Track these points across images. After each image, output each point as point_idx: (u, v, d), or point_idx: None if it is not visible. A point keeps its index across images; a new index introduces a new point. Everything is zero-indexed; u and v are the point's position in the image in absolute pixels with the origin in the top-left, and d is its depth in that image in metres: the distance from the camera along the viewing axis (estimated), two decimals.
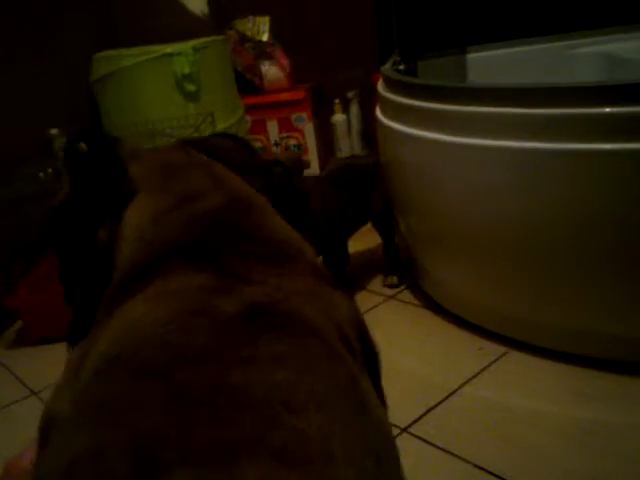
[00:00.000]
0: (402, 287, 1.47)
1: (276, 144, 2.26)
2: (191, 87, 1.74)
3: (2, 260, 1.56)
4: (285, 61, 2.25)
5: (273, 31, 2.25)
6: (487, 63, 1.66)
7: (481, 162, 1.08)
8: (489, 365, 1.13)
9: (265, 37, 2.24)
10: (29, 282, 1.49)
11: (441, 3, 1.83)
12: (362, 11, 2.22)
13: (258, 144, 2.26)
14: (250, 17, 2.26)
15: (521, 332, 1.17)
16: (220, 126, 1.80)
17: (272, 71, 2.25)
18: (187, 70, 1.72)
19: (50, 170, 1.55)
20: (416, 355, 1.22)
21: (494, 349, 1.17)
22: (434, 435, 0.97)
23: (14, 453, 0.53)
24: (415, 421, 1.01)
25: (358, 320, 0.50)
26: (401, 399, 1.04)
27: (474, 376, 1.11)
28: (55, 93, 1.78)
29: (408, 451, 0.92)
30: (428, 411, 1.03)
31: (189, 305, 0.43)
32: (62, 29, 1.86)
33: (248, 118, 2.15)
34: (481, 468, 0.90)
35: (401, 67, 1.38)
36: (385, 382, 0.51)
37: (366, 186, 1.44)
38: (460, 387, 1.08)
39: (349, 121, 2.37)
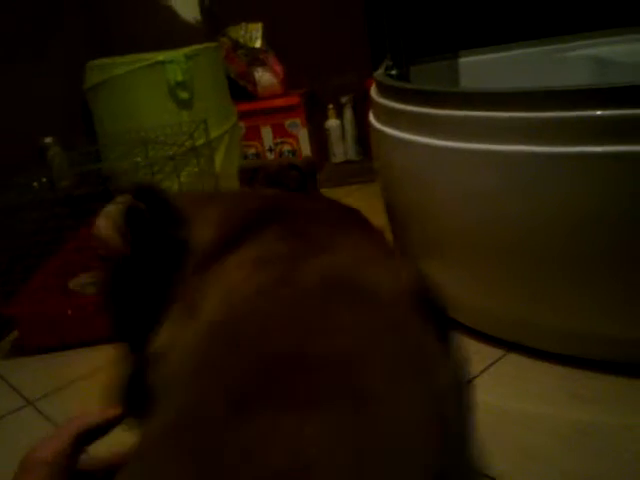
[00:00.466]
0: None
1: (270, 150, 2.27)
2: (184, 94, 1.75)
3: None
4: (278, 67, 2.26)
5: (266, 37, 2.25)
6: (479, 67, 1.67)
7: (474, 166, 1.09)
8: (486, 368, 1.13)
9: (258, 44, 2.24)
10: (26, 291, 1.49)
11: (433, 8, 1.84)
12: (354, 16, 2.23)
13: (252, 150, 2.26)
14: (243, 24, 2.26)
15: (517, 334, 1.17)
16: (214, 133, 1.81)
17: (265, 77, 2.25)
18: (180, 78, 1.72)
19: (44, 179, 1.55)
20: None
21: (491, 352, 1.17)
22: None
23: (11, 462, 0.52)
24: None
25: (423, 281, 0.55)
26: None
27: (471, 379, 1.11)
28: (49, 102, 1.78)
29: None
30: None
31: (275, 274, 0.49)
32: (54, 37, 1.87)
33: (242, 125, 2.16)
34: (476, 472, 0.90)
35: (393, 72, 1.39)
36: None
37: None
38: None
39: (343, 126, 2.38)
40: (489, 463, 0.90)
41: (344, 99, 2.34)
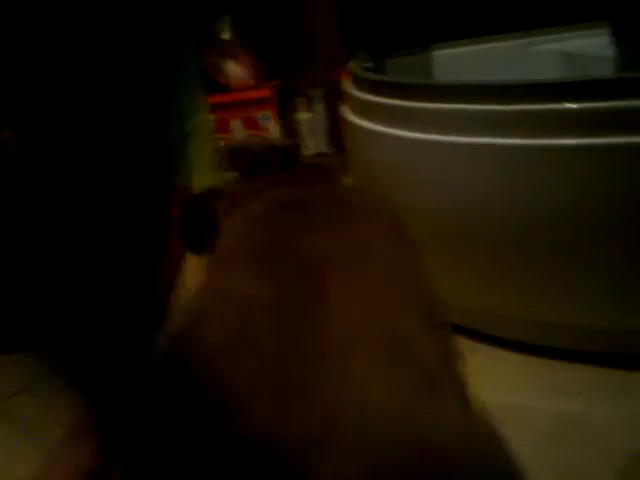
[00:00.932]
0: None
1: None
2: None
3: None
4: (248, 59, 2.23)
5: (235, 29, 2.23)
6: (452, 61, 1.67)
7: (449, 159, 1.09)
8: None
9: (227, 35, 2.22)
10: None
11: (406, 1, 1.84)
12: (326, 8, 2.22)
13: (222, 143, 2.23)
14: None
15: (490, 326, 1.18)
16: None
17: (236, 69, 2.23)
18: None
19: None
20: None
21: (464, 344, 1.17)
22: None
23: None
24: None
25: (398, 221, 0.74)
26: None
27: None
28: None
29: None
30: None
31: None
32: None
33: (210, 117, 2.12)
34: None
35: (368, 65, 1.39)
36: None
37: None
38: None
39: (314, 119, 2.36)
40: None
41: (315, 92, 2.32)
